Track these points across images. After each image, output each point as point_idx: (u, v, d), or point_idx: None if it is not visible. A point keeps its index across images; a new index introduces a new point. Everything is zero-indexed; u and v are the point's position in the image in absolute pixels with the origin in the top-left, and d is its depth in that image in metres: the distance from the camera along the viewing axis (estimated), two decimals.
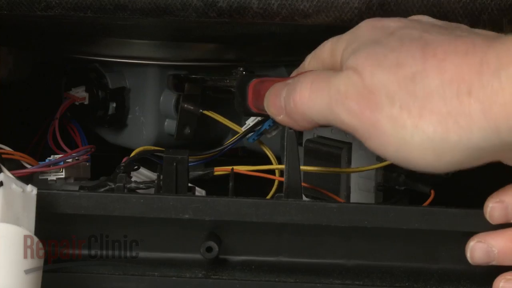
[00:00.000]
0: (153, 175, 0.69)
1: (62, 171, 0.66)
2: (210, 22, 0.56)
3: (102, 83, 0.74)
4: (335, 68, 0.48)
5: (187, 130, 0.74)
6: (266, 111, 0.53)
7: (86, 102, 0.74)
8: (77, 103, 0.74)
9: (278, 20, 0.55)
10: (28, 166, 0.64)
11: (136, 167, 0.66)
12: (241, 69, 0.71)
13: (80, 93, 0.74)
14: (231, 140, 0.67)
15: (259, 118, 0.67)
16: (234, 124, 0.69)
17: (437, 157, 0.42)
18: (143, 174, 0.70)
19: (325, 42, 0.50)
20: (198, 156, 0.68)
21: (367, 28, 0.47)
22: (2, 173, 0.48)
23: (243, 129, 0.68)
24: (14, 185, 0.48)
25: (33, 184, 0.49)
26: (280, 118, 0.50)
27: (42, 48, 0.76)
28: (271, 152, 0.68)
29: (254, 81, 0.55)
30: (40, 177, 0.66)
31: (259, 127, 0.67)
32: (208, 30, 0.66)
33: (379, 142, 0.44)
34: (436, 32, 0.44)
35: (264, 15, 0.55)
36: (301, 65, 0.54)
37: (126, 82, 0.76)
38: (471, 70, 0.40)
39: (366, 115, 0.43)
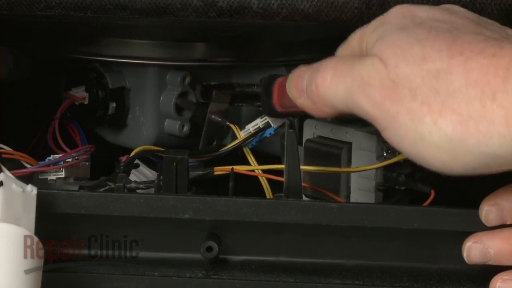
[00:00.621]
0: (151, 174, 0.69)
1: (62, 171, 0.66)
2: (210, 22, 0.56)
3: (102, 83, 0.74)
4: (362, 54, 0.47)
5: (214, 143, 0.74)
6: (290, 109, 0.52)
7: (86, 102, 0.74)
8: (77, 103, 0.74)
9: (278, 20, 0.55)
10: (28, 166, 0.64)
11: (136, 163, 0.66)
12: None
13: (80, 93, 0.74)
14: (230, 145, 0.67)
15: (260, 125, 0.67)
16: (240, 134, 0.69)
17: (452, 158, 0.42)
18: (143, 173, 0.70)
19: (356, 30, 0.49)
20: (197, 159, 0.68)
21: (396, 15, 0.46)
22: (2, 173, 0.48)
23: (243, 133, 0.68)
24: (14, 185, 0.48)
25: (33, 184, 0.49)
26: (301, 101, 0.49)
27: (42, 48, 0.76)
28: (251, 156, 0.68)
29: (279, 80, 0.54)
30: (40, 177, 0.66)
31: (261, 133, 0.67)
32: (208, 30, 0.66)
33: (397, 134, 0.43)
34: (466, 29, 0.44)
35: (264, 15, 0.55)
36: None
37: (126, 82, 0.76)
38: (496, 74, 0.40)
39: (386, 105, 0.43)
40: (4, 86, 0.73)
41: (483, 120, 0.40)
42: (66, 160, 0.66)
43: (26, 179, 0.63)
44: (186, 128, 0.75)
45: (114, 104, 0.75)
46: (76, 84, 0.75)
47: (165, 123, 0.76)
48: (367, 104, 0.44)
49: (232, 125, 0.70)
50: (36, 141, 0.78)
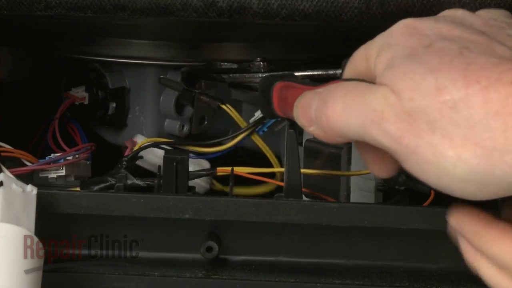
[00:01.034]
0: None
1: (62, 169, 0.66)
2: (210, 22, 0.56)
3: (102, 83, 0.74)
4: (369, 74, 0.46)
5: (205, 122, 0.73)
6: (293, 117, 0.51)
7: (86, 102, 0.74)
8: (77, 103, 0.74)
9: (278, 20, 0.55)
10: (29, 164, 0.64)
11: (139, 155, 0.66)
12: (259, 59, 0.70)
13: (80, 93, 0.74)
14: (242, 133, 0.66)
15: None
16: (243, 120, 0.68)
17: (479, 189, 0.41)
18: (154, 153, 0.70)
19: (360, 47, 0.48)
20: (213, 149, 0.67)
21: (401, 33, 0.45)
22: (2, 173, 0.48)
23: (251, 121, 0.67)
24: (14, 185, 0.48)
25: (33, 182, 0.49)
26: (311, 129, 0.48)
27: (43, 48, 0.76)
28: (271, 153, 0.67)
29: (278, 85, 0.52)
30: (41, 175, 0.66)
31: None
32: (208, 30, 0.66)
33: (418, 167, 0.42)
34: (477, 48, 0.42)
35: (264, 15, 0.55)
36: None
37: (126, 82, 0.76)
38: None
39: (405, 140, 0.42)
40: (4, 86, 0.73)
41: (508, 152, 0.39)
42: (67, 158, 0.66)
43: (27, 177, 0.63)
44: (186, 128, 0.75)
45: (114, 104, 0.75)
46: (76, 84, 0.75)
47: (165, 123, 0.76)
48: (384, 139, 0.43)
49: (225, 106, 0.69)
50: (36, 141, 0.78)
